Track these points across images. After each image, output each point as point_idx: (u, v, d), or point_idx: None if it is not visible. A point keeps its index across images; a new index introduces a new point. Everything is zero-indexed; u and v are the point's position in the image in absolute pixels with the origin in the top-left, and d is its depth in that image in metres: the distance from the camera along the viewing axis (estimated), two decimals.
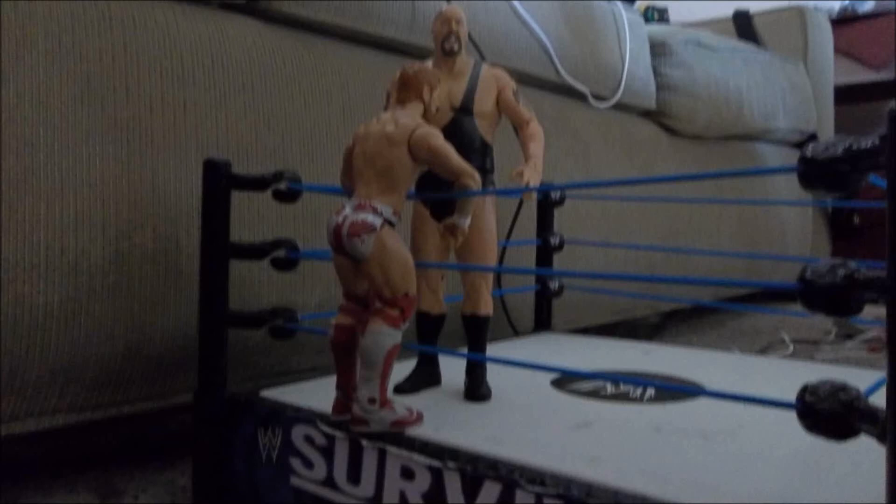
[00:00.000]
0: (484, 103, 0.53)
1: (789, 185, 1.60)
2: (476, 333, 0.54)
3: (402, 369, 0.57)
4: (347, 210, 0.43)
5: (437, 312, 0.55)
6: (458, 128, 0.52)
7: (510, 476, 0.37)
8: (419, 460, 0.41)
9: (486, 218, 0.52)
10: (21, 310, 0.51)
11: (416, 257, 0.55)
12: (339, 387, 0.46)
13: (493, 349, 0.71)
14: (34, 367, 0.52)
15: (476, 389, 0.52)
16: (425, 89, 0.47)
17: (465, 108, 0.52)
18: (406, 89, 0.47)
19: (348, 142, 0.47)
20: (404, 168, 0.44)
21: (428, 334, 0.55)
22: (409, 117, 0.45)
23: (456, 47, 0.53)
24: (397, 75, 0.48)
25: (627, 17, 1.19)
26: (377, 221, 0.42)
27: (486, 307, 0.53)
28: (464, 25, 0.53)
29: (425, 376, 0.55)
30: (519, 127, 0.54)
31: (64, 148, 0.53)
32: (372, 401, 0.42)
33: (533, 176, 0.50)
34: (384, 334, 0.42)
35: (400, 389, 0.54)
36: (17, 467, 0.63)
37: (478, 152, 0.52)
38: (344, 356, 0.45)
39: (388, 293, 0.42)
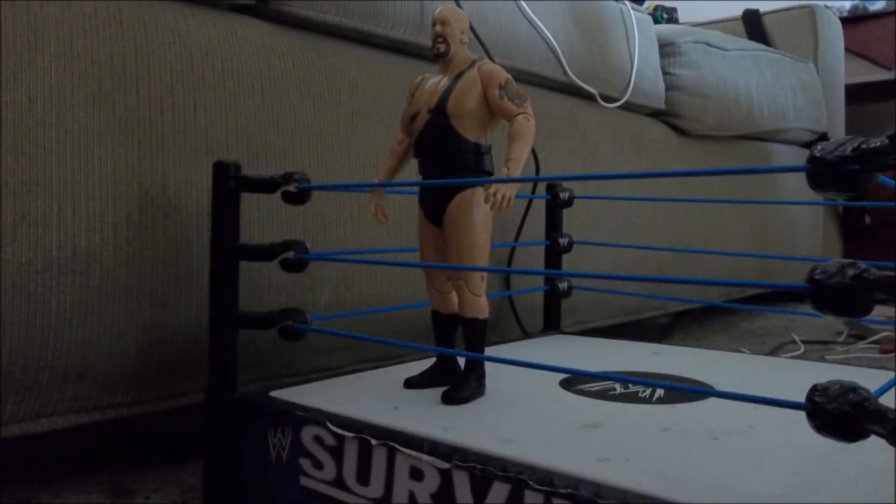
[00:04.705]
0: (460, 103, 0.51)
1: (800, 185, 1.59)
2: (465, 336, 0.53)
3: (410, 369, 0.57)
4: None
5: (446, 312, 0.55)
6: (432, 130, 0.52)
7: (519, 476, 0.37)
8: (428, 461, 0.41)
9: (473, 219, 0.51)
10: (34, 310, 0.51)
11: (421, 258, 0.55)
12: None
13: (502, 349, 0.72)
14: (46, 368, 0.53)
15: (450, 392, 0.51)
16: None
17: (438, 110, 0.51)
18: None
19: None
20: None
21: (440, 333, 0.55)
22: None
23: (442, 49, 0.52)
24: None
25: (636, 18, 1.19)
26: None
27: (471, 311, 0.52)
28: (451, 25, 0.52)
29: (439, 374, 0.55)
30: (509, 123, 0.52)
31: (76, 150, 0.53)
32: None
33: (503, 187, 0.47)
34: None
35: (411, 383, 0.55)
36: (30, 467, 0.64)
37: (466, 153, 0.51)
38: None
39: None
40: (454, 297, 0.54)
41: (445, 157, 0.52)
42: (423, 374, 0.55)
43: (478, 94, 0.51)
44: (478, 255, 0.52)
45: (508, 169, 0.48)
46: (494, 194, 0.46)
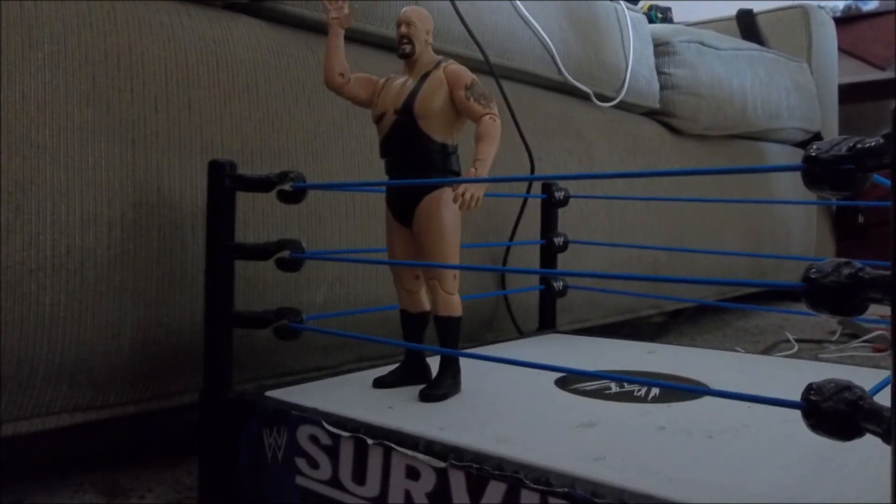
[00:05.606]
0: (427, 104, 0.51)
1: (794, 185, 1.60)
2: (440, 334, 0.53)
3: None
4: None
5: (415, 311, 0.55)
6: (399, 130, 0.52)
7: (515, 475, 0.37)
8: (424, 460, 0.41)
9: (443, 219, 0.52)
10: (28, 309, 0.51)
11: (389, 257, 0.56)
12: None
13: (497, 349, 0.72)
14: (40, 367, 0.52)
15: (427, 391, 0.51)
16: None
17: (405, 111, 0.51)
18: None
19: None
20: None
21: (409, 332, 0.56)
22: None
23: (408, 49, 0.52)
24: None
25: (631, 17, 1.19)
26: None
27: (446, 309, 0.52)
28: (416, 26, 0.52)
29: (409, 372, 0.55)
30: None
31: (70, 148, 0.53)
32: None
33: (471, 187, 0.47)
34: None
35: (381, 382, 0.55)
36: (24, 467, 0.64)
37: (433, 153, 0.52)
38: None
39: None
40: (423, 296, 0.55)
41: (413, 157, 0.52)
42: (392, 372, 0.55)
43: (444, 94, 0.52)
44: (449, 254, 0.52)
45: (476, 169, 0.48)
46: (463, 194, 0.47)
